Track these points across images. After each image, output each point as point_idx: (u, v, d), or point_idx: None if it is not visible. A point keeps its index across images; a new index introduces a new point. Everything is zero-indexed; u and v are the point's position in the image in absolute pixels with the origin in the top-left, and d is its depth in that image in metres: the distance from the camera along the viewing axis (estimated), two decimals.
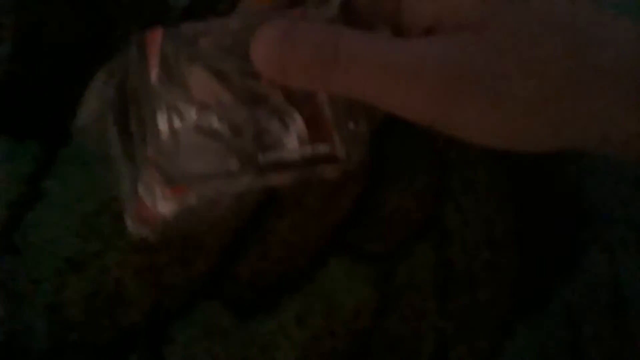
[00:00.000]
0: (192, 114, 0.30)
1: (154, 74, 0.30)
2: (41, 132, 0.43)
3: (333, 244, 0.44)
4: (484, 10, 0.29)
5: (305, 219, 0.44)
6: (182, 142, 0.30)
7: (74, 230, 0.41)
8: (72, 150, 0.42)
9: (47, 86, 0.43)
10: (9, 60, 0.43)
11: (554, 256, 0.48)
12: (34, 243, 0.41)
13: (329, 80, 0.28)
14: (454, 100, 0.28)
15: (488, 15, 0.28)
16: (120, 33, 0.45)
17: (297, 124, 0.31)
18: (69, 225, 0.41)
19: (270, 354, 0.41)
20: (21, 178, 0.41)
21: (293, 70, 0.29)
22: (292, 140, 0.31)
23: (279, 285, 0.43)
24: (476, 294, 0.45)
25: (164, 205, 0.31)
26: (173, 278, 0.41)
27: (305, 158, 0.31)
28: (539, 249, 0.48)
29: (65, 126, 0.42)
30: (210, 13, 0.45)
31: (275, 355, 0.41)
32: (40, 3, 0.44)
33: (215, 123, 0.30)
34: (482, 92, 0.28)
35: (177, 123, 0.30)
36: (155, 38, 0.30)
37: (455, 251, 0.46)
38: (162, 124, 0.30)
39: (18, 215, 0.41)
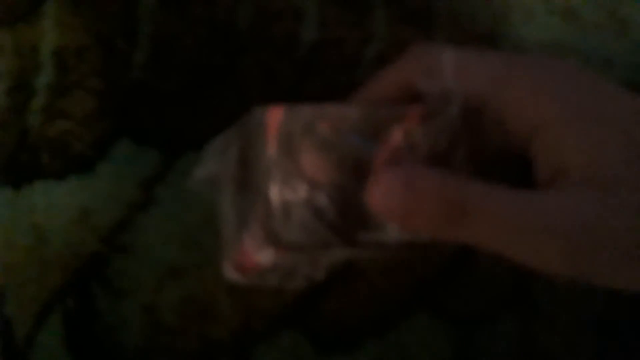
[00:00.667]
0: (302, 190, 0.34)
1: (271, 148, 0.34)
2: (161, 141, 0.50)
3: (420, 298, 0.49)
4: (620, 168, 0.30)
5: (397, 268, 0.49)
6: (290, 213, 0.34)
7: (179, 239, 0.47)
8: (187, 164, 0.49)
9: (174, 99, 0.50)
10: (142, 68, 0.51)
11: (636, 343, 0.52)
12: (141, 245, 0.47)
13: (456, 232, 0.30)
14: (588, 257, 0.30)
15: (624, 173, 0.30)
16: (249, 61, 0.52)
17: None
18: (175, 234, 0.47)
19: None
20: (138, 182, 0.48)
21: (418, 221, 0.31)
22: (395, 225, 0.34)
23: (361, 327, 0.48)
24: None
25: (265, 256, 0.37)
26: (263, 302, 0.47)
27: (403, 242, 0.35)
28: (622, 336, 0.52)
29: (184, 139, 0.49)
30: (337, 52, 0.52)
31: None
32: (177, 18, 0.51)
33: (323, 201, 0.34)
34: (617, 250, 0.30)
35: (287, 195, 0.34)
36: (276, 114, 0.34)
37: (541, 327, 0.50)
38: (274, 194, 0.34)
39: (131, 217, 0.48)
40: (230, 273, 0.37)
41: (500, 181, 0.33)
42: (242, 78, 0.48)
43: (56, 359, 0.43)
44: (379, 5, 0.50)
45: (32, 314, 0.44)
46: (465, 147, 0.35)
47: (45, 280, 0.44)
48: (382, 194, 0.31)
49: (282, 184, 0.34)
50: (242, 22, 0.49)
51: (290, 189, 0.34)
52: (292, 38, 0.49)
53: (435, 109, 0.34)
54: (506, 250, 0.31)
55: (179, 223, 0.45)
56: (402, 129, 0.34)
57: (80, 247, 0.44)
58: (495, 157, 0.36)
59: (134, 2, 0.49)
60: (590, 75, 0.33)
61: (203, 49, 0.49)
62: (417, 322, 0.47)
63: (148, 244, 0.45)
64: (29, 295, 0.44)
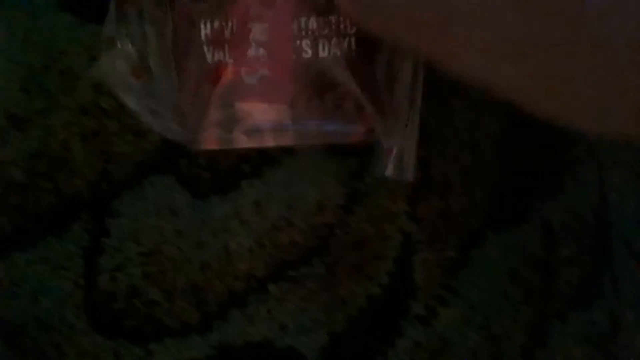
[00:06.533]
0: None
1: None
2: None
3: None
4: None
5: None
6: None
7: (18, 84, 0.41)
8: None
9: None
10: None
11: (539, 170, 0.50)
12: None
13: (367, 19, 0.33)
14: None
15: None
16: None
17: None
18: (13, 78, 0.41)
19: (223, 239, 0.43)
20: None
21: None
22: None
23: (240, 167, 0.44)
24: (449, 201, 0.47)
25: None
26: (124, 147, 0.42)
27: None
28: (523, 161, 0.50)
29: None
30: None
31: (228, 241, 0.43)
32: None
33: None
34: None
35: None
36: None
37: (434, 153, 0.47)
38: None
39: None
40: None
41: None
42: None
43: None
44: None
45: None
46: None
47: None
48: None
49: None
50: None
51: None
52: None
53: None
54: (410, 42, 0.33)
55: (16, 65, 0.39)
56: None
57: None
58: None
59: None
60: None
61: None
62: (302, 158, 0.44)
63: None
64: None
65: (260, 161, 0.43)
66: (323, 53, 0.38)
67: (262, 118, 0.38)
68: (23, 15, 0.41)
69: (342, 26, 0.38)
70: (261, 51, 0.37)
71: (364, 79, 0.39)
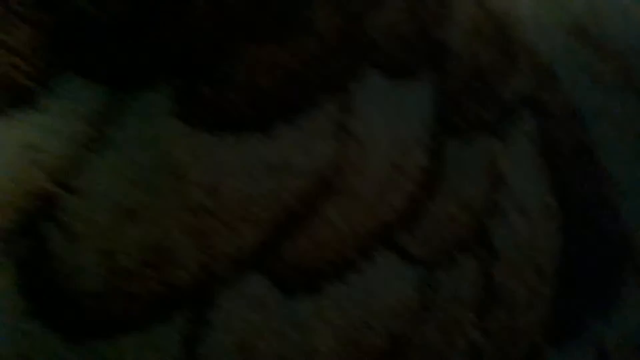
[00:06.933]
0: None
1: None
2: (108, 76, 0.47)
3: (382, 241, 0.49)
4: None
5: (358, 210, 0.49)
6: None
7: (132, 180, 0.46)
8: (141, 103, 0.47)
9: (127, 31, 0.48)
10: None
11: (592, 288, 0.54)
12: (93, 186, 0.45)
13: None
14: None
15: None
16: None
17: None
18: (128, 175, 0.46)
19: (309, 337, 0.46)
20: (88, 120, 0.46)
21: None
22: None
23: (324, 270, 0.48)
24: (515, 316, 0.51)
25: None
26: (223, 245, 0.46)
27: None
28: (579, 280, 0.54)
29: (138, 76, 0.47)
30: None
31: (313, 339, 0.46)
32: None
33: None
34: None
35: None
36: None
37: (501, 270, 0.51)
38: None
39: (82, 158, 0.45)
40: None
41: None
42: (190, 6, 0.46)
43: (10, 306, 0.40)
44: None
45: None
46: None
47: None
48: None
49: None
50: None
51: None
52: None
53: None
54: None
55: (132, 164, 0.43)
56: None
57: (27, 184, 0.42)
58: None
59: None
60: None
61: None
62: (381, 265, 0.47)
63: (100, 185, 0.42)
64: None
65: (343, 265, 0.47)
66: None
67: None
68: (140, 119, 0.45)
69: None
70: None
71: None
